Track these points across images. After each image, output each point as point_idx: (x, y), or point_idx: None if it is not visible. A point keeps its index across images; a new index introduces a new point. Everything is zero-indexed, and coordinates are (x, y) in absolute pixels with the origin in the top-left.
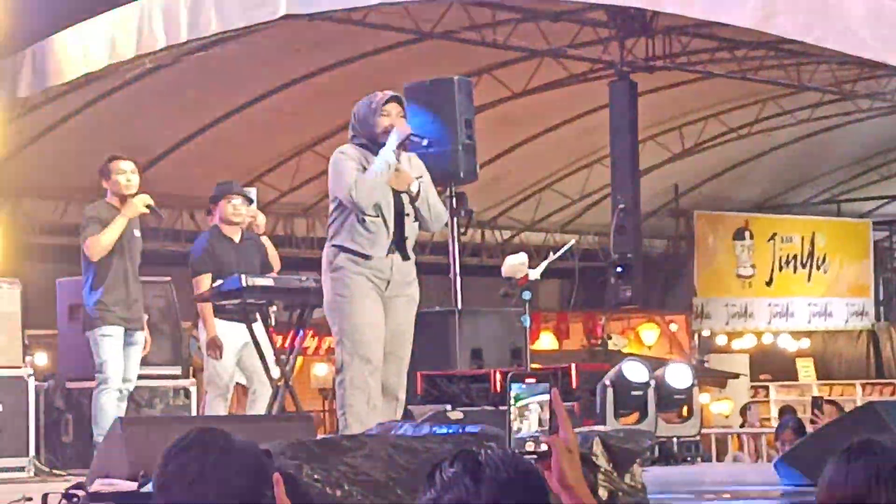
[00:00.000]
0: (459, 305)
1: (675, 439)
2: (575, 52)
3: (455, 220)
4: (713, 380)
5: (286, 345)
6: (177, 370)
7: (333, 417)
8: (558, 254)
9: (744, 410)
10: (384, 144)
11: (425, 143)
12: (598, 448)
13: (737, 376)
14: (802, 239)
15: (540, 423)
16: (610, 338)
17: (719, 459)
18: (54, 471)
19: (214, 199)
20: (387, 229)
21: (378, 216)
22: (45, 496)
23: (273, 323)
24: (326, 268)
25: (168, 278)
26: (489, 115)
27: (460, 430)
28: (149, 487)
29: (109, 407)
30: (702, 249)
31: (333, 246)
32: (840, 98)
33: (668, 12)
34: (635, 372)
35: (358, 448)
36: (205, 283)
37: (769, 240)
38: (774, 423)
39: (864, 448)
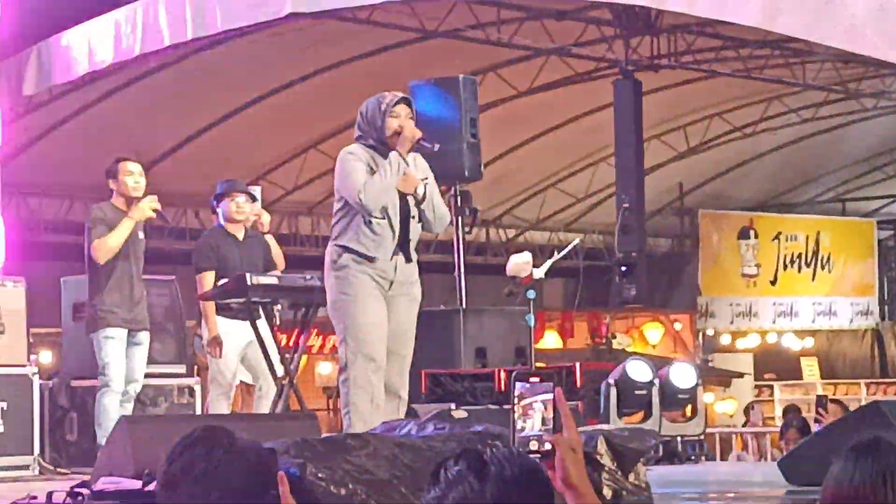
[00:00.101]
0: (464, 304)
1: (679, 438)
2: (579, 51)
3: (460, 218)
4: (717, 379)
5: (290, 343)
6: (181, 369)
7: (338, 416)
8: (563, 253)
9: (747, 410)
10: (393, 146)
11: (436, 148)
12: (602, 447)
13: (741, 375)
14: (807, 238)
15: (543, 422)
16: (614, 337)
17: (723, 459)
18: (59, 469)
19: (218, 198)
20: (393, 232)
21: (384, 219)
22: (49, 494)
23: (278, 321)
24: (330, 266)
25: (172, 277)
26: (494, 114)
27: (464, 429)
28: (153, 486)
29: (112, 408)
30: (706, 248)
31: (338, 245)
32: (845, 97)
33: (672, 11)
34: (639, 371)
35: (362, 447)
36: (208, 280)
37: (774, 239)
38: (779, 423)
39: (871, 447)
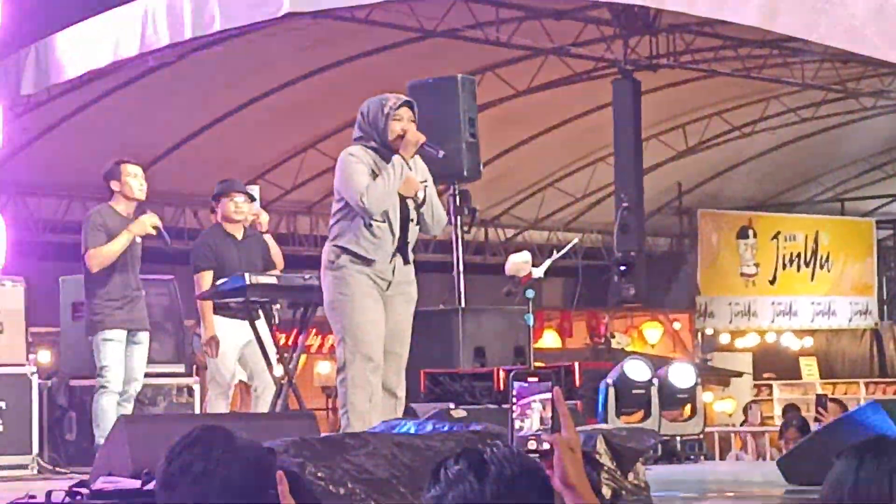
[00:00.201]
0: (463, 304)
1: (678, 438)
2: (578, 51)
3: (458, 218)
4: (716, 378)
5: (289, 343)
6: (180, 368)
7: (336, 415)
8: (562, 252)
9: (746, 409)
10: (396, 149)
11: (441, 154)
12: (601, 446)
13: (740, 375)
14: (806, 237)
15: (542, 422)
16: (613, 336)
17: (722, 458)
18: (57, 469)
19: (216, 197)
20: (392, 235)
21: (384, 222)
22: (48, 494)
23: (276, 321)
24: (327, 266)
25: (171, 276)
26: (492, 114)
27: (463, 429)
28: (152, 485)
29: (110, 409)
30: (705, 248)
31: (336, 246)
32: (844, 96)
33: (671, 10)
34: (637, 371)
35: (361, 446)
36: (206, 280)
37: (773, 238)
38: (778, 422)
39: (876, 447)
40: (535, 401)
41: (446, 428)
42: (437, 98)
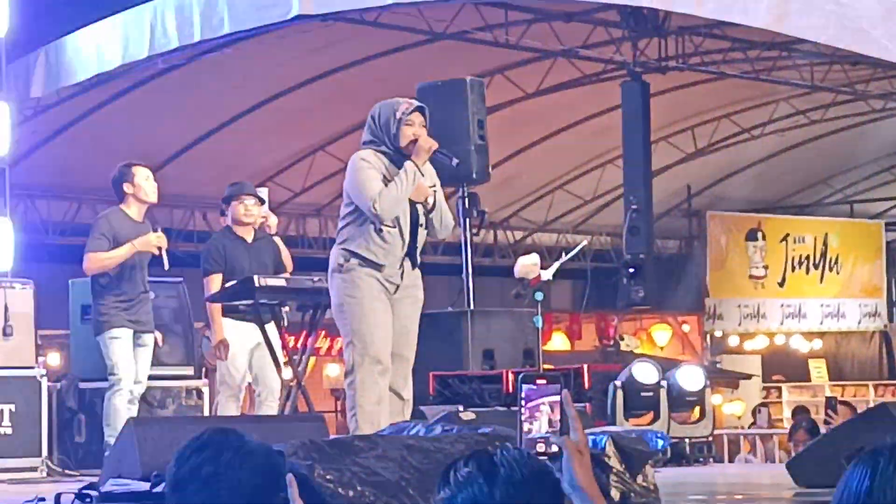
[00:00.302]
0: (472, 306)
1: (687, 440)
2: (587, 53)
3: (467, 220)
4: (725, 381)
5: (298, 345)
6: (189, 370)
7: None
8: (570, 254)
9: (755, 412)
10: (407, 154)
11: (455, 163)
12: (610, 449)
13: (749, 377)
14: (815, 240)
15: (550, 424)
16: (622, 338)
17: (731, 460)
18: (67, 471)
19: (227, 200)
20: (402, 240)
21: (395, 227)
22: (57, 496)
23: (285, 324)
24: (335, 269)
25: (180, 279)
26: (501, 116)
27: (472, 431)
28: (161, 488)
29: (122, 408)
30: (714, 250)
31: (345, 250)
32: (853, 98)
33: (680, 12)
34: (645, 373)
35: (370, 448)
36: (216, 283)
37: (782, 240)
38: (787, 424)
39: (891, 451)
40: (543, 403)
41: (455, 430)
42: (447, 100)
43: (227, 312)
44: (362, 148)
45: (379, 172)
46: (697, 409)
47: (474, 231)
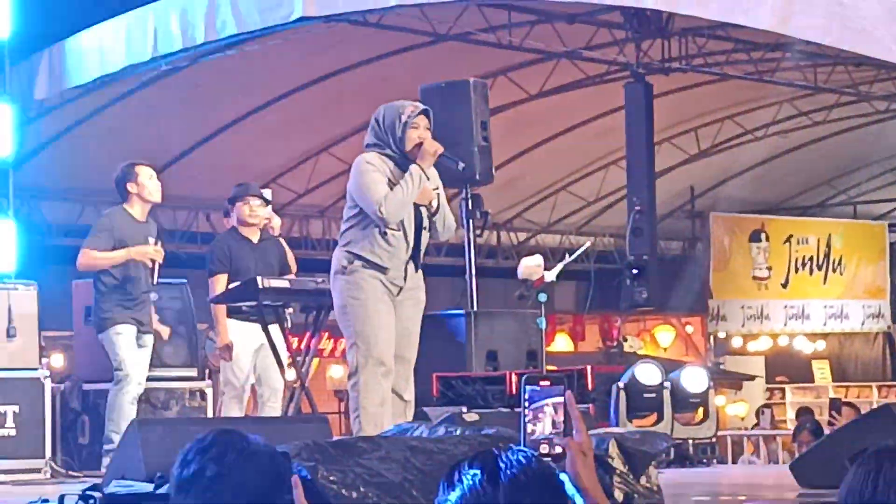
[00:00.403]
0: (475, 307)
1: (690, 441)
2: (590, 54)
3: (471, 222)
4: (729, 382)
5: (302, 347)
6: (193, 372)
7: (349, 419)
8: (574, 256)
9: (758, 413)
10: (413, 158)
11: (461, 167)
12: (613, 450)
13: (752, 378)
14: (818, 241)
15: (554, 426)
16: (626, 340)
17: (734, 462)
18: (70, 472)
19: (232, 201)
20: (407, 244)
21: (399, 230)
22: (61, 498)
23: (289, 325)
24: (339, 271)
25: (184, 280)
26: (505, 117)
27: (476, 432)
28: (165, 489)
29: (128, 406)
30: (717, 251)
31: (349, 252)
32: (857, 100)
33: (684, 14)
34: (648, 374)
35: (374, 450)
36: (220, 284)
37: (785, 242)
38: (791, 426)
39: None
40: (547, 404)
41: (458, 432)
42: (450, 102)
43: (231, 313)
44: (366, 151)
45: (384, 176)
46: (701, 410)
47: (478, 232)
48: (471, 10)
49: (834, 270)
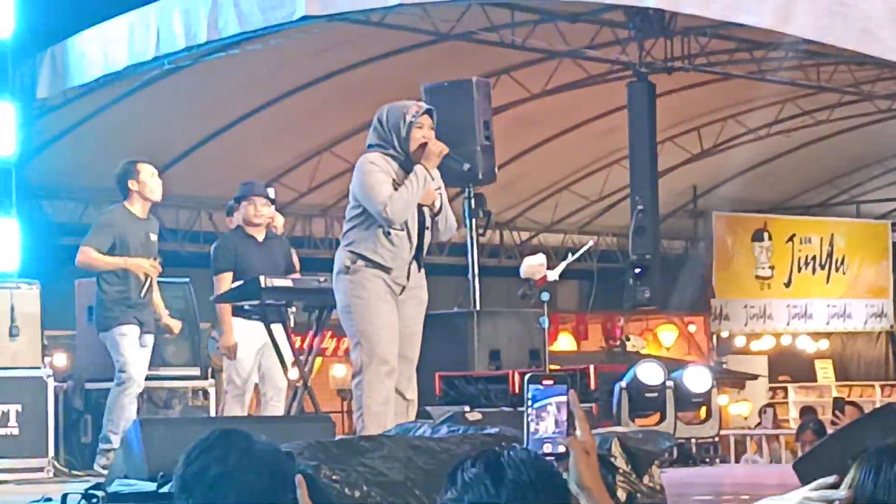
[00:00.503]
0: (478, 306)
1: (693, 440)
2: (593, 54)
3: (473, 221)
4: (732, 381)
5: (304, 346)
6: (195, 371)
7: (351, 418)
8: (577, 255)
9: (761, 413)
10: (417, 158)
11: (467, 167)
12: (616, 449)
13: (755, 377)
14: (821, 240)
15: (557, 425)
16: (628, 339)
17: (737, 461)
18: (73, 471)
19: (238, 200)
20: (410, 243)
21: (403, 230)
22: (64, 496)
23: (292, 324)
24: (341, 270)
25: (186, 279)
26: (508, 116)
27: (478, 432)
28: (168, 488)
29: (129, 407)
30: (720, 251)
31: (352, 252)
32: (859, 99)
33: (686, 13)
34: (650, 374)
35: (376, 449)
36: (225, 282)
37: (788, 241)
38: (794, 425)
39: (894, 451)
40: (550, 403)
41: (461, 431)
42: (453, 101)
43: (234, 312)
44: (368, 151)
45: (388, 176)
46: (704, 409)
47: (480, 232)
48: (473, 9)
49: (837, 270)
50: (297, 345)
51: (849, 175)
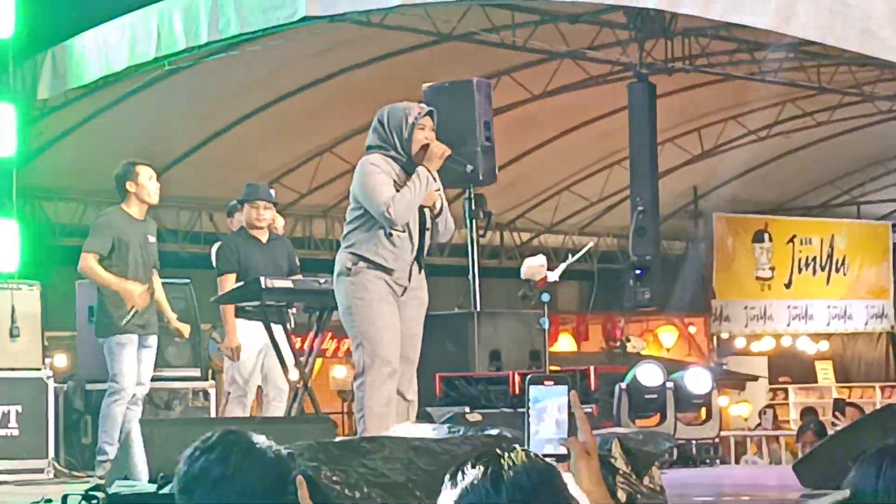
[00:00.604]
0: (478, 307)
1: (693, 442)
2: (594, 54)
3: (474, 222)
4: (732, 382)
5: (305, 347)
6: (196, 372)
7: (352, 419)
8: (577, 256)
9: (761, 414)
10: (419, 160)
11: (469, 169)
12: (616, 450)
13: (755, 378)
14: (822, 241)
15: (558, 426)
16: (629, 340)
17: (737, 462)
18: (73, 472)
19: (241, 202)
20: (412, 245)
21: (404, 231)
22: (64, 497)
23: (292, 325)
24: (342, 272)
25: (187, 280)
26: (508, 117)
27: (479, 432)
28: (168, 489)
29: (119, 416)
30: (721, 252)
31: (353, 254)
32: (860, 100)
33: (687, 14)
34: (649, 375)
35: (377, 450)
36: (228, 283)
37: (788, 242)
38: (794, 426)
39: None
40: (551, 405)
41: (462, 432)
42: (453, 101)
43: (238, 314)
44: (368, 152)
45: (390, 177)
46: (704, 410)
47: (481, 233)
48: (474, 10)
49: (837, 271)
50: (297, 346)
51: (849, 176)
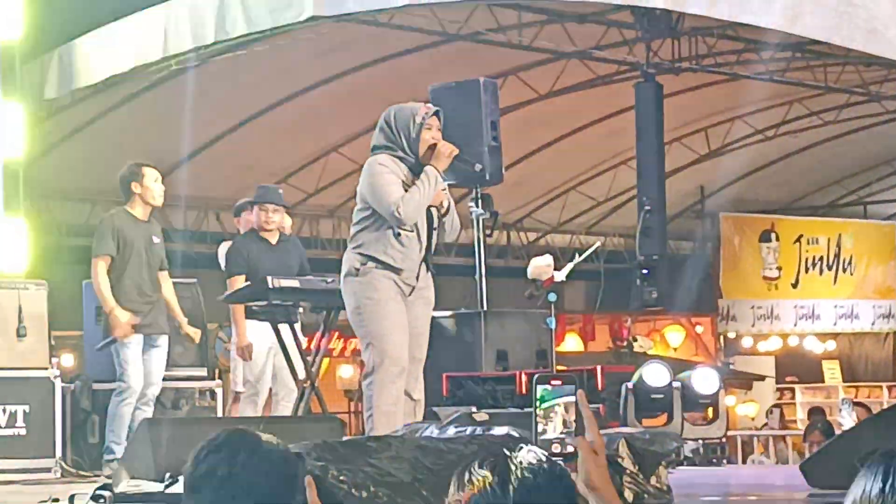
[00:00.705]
0: (485, 307)
1: (700, 441)
2: (601, 54)
3: (481, 221)
4: (739, 382)
5: (312, 346)
6: (203, 371)
7: (359, 419)
8: (584, 255)
9: (767, 413)
10: (426, 160)
11: (478, 168)
12: (623, 450)
13: (763, 378)
14: (829, 241)
15: (565, 425)
16: (636, 339)
17: (744, 461)
18: (80, 472)
19: (251, 203)
20: (420, 244)
21: (413, 231)
22: (71, 497)
23: (298, 325)
24: (350, 272)
25: (194, 280)
26: (515, 117)
27: (486, 432)
28: (175, 488)
29: (127, 416)
30: (728, 251)
31: (362, 254)
32: (867, 99)
33: (693, 14)
34: (656, 375)
35: (384, 449)
36: (237, 285)
37: (795, 241)
38: (801, 426)
39: None
40: (558, 404)
41: (468, 431)
42: (460, 101)
43: (248, 314)
44: (374, 153)
45: (398, 177)
46: (711, 410)
47: (487, 232)
48: (481, 9)
49: (844, 270)
50: (305, 345)
51: (856, 176)
